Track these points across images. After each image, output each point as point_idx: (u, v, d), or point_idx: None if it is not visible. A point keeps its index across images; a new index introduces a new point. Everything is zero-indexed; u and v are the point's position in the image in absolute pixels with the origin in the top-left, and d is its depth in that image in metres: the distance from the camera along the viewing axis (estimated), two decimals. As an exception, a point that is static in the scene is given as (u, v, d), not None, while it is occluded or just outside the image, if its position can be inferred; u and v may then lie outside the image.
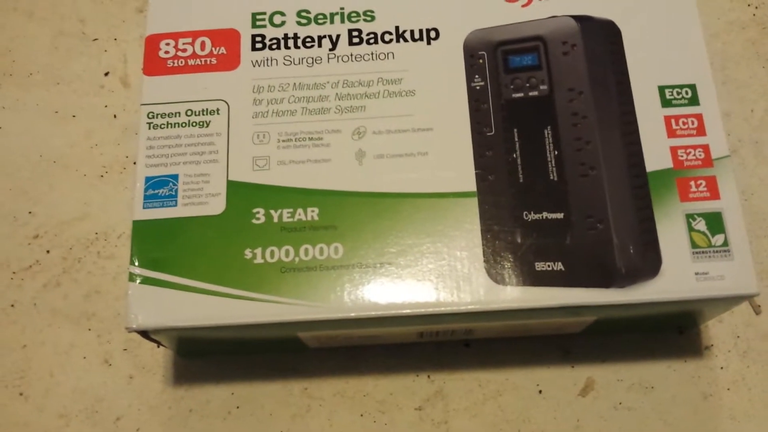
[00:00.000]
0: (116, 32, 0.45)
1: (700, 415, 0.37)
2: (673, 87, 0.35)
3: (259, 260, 0.32)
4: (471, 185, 0.33)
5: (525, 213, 0.33)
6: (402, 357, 0.38)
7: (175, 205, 0.33)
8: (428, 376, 0.38)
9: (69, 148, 0.43)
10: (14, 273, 0.40)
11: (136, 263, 0.32)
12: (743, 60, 0.44)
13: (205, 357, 0.38)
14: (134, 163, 0.33)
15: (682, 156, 0.33)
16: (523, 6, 0.36)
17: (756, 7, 0.45)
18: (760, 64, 0.44)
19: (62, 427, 0.37)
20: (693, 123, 0.34)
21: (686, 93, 0.35)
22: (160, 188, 0.33)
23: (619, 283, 0.31)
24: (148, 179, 0.33)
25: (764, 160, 0.41)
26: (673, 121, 0.34)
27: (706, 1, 0.45)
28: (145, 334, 0.32)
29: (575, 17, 0.34)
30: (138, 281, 0.32)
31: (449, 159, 0.34)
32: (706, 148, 0.34)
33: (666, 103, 0.34)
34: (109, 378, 0.38)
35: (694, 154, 0.33)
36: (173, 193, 0.33)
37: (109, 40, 0.45)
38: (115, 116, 0.43)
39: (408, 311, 0.31)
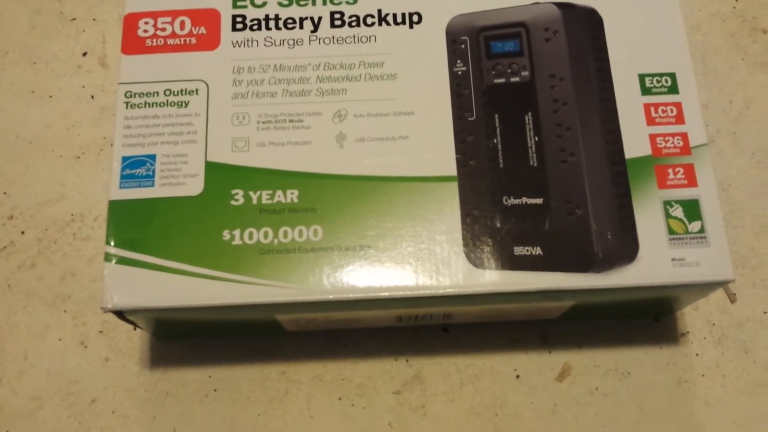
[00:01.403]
0: (95, 12, 0.45)
1: (675, 400, 0.37)
2: (653, 75, 0.35)
3: (237, 242, 0.32)
4: (451, 170, 0.33)
5: (504, 198, 0.33)
6: (380, 341, 0.38)
7: (153, 186, 0.33)
8: (406, 361, 0.38)
9: (45, 129, 0.42)
10: (-12, 254, 0.39)
11: (112, 243, 0.32)
12: (723, 52, 0.44)
13: (182, 339, 0.38)
14: (111, 144, 0.33)
15: (660, 143, 0.34)
16: (506, -9, 0.36)
17: (736, 0, 0.45)
18: (739, 56, 0.44)
19: (36, 410, 0.36)
20: (672, 111, 0.34)
21: (666, 81, 0.35)
22: (137, 168, 0.33)
23: (596, 268, 0.32)
24: (124, 159, 0.33)
25: (742, 151, 0.42)
26: (652, 108, 0.34)
27: (687, -8, 0.45)
28: (121, 315, 0.32)
29: (558, 4, 0.34)
30: (114, 261, 0.31)
31: (430, 143, 0.34)
32: (684, 136, 0.34)
33: (646, 90, 0.34)
34: (85, 360, 0.37)
35: (673, 142, 0.34)
36: (150, 174, 0.33)
37: (87, 20, 0.45)
38: (92, 97, 0.43)
39: (387, 294, 0.31)
